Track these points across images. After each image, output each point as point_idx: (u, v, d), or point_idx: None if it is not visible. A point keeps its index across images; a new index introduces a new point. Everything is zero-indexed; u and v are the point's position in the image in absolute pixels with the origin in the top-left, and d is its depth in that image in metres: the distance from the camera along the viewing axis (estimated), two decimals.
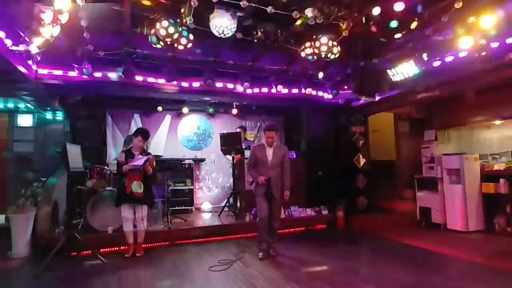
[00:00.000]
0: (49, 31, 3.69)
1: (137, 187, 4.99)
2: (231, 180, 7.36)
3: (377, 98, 6.95)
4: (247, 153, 6.35)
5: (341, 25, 4.60)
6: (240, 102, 8.21)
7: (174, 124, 8.44)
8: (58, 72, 5.66)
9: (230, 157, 7.24)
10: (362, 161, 7.75)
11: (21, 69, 4.68)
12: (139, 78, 6.13)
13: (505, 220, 6.18)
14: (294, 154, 7.54)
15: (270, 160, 4.82)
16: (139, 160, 4.96)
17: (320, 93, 7.61)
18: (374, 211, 7.64)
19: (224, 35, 4.58)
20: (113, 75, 5.89)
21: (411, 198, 7.62)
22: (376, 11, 4.13)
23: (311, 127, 8.37)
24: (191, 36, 4.57)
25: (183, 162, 7.83)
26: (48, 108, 6.85)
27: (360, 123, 7.90)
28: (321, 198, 7.33)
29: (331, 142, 8.26)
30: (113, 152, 7.70)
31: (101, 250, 5.28)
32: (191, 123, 8.67)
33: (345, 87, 7.23)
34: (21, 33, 4.05)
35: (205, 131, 8.76)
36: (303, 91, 7.19)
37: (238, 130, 7.39)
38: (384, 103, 7.20)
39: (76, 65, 5.55)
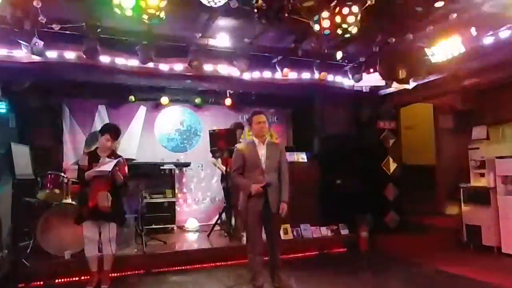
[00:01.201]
0: None
1: (103, 199, 4.98)
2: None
3: (412, 84, 6.96)
4: None
5: None
6: (235, 90, 8.28)
7: (150, 118, 8.49)
8: (1, 52, 5.66)
9: (221, 163, 7.31)
10: (392, 166, 7.86)
11: None
12: (105, 58, 6.10)
13: None
14: (305, 157, 7.59)
15: (264, 161, 4.67)
16: (107, 165, 4.97)
17: (338, 79, 7.64)
18: (408, 229, 7.70)
19: (215, 3, 4.56)
20: (71, 55, 5.86)
21: (455, 214, 7.66)
22: None
23: (327, 123, 8.44)
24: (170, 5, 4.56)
25: (162, 168, 7.81)
26: None
27: (390, 117, 8.03)
28: (339, 213, 7.36)
29: (352, 142, 8.29)
30: (72, 154, 7.75)
31: (56, 280, 5.24)
32: (173, 117, 8.70)
33: (371, 70, 7.25)
34: None
35: (190, 128, 8.78)
36: (316, 76, 7.19)
37: (240, 124, 7.45)
38: (421, 91, 7.25)
39: (23, 42, 5.53)
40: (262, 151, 4.72)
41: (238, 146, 4.92)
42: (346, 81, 7.67)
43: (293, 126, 9.25)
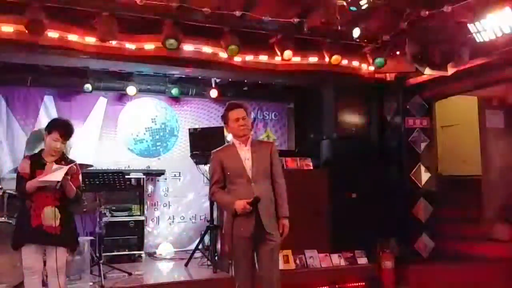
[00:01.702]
0: None
1: (50, 217, 4.92)
2: (208, 206, 7.50)
3: (451, 71, 6.96)
4: None
5: None
6: (223, 77, 8.28)
7: (112, 113, 8.49)
8: None
9: (206, 169, 7.28)
10: (425, 176, 7.83)
11: None
12: (52, 34, 6.02)
13: None
14: (311, 164, 7.62)
15: (249, 167, 4.59)
16: (55, 173, 4.89)
17: (354, 63, 7.64)
18: (445, 259, 7.66)
19: None
20: (8, 29, 5.79)
21: (509, 239, 7.64)
22: None
23: (339, 120, 8.32)
24: None
25: (127, 177, 7.72)
26: None
27: (422, 113, 8.03)
28: (355, 236, 7.31)
29: (372, 145, 8.27)
30: (9, 159, 7.74)
31: None
32: (142, 112, 8.72)
33: (397, 52, 7.28)
34: None
35: (165, 126, 8.79)
36: (326, 59, 7.18)
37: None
38: (463, 80, 7.24)
39: None
40: (246, 155, 4.64)
41: (214, 154, 4.78)
42: (365, 67, 7.68)
43: (296, 124, 9.27)
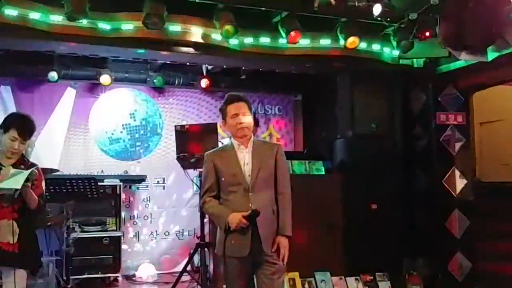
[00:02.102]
0: None
1: (7, 232, 4.93)
2: (198, 219, 7.37)
3: (491, 56, 6.91)
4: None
5: None
6: (216, 64, 8.32)
7: (83, 107, 8.53)
8: None
9: (196, 174, 7.29)
10: (460, 182, 7.86)
11: None
12: (10, 11, 6.01)
13: None
14: (323, 168, 7.65)
15: (249, 173, 4.54)
16: (13, 178, 4.88)
17: (375, 47, 7.69)
18: (484, 282, 7.62)
19: None
20: None
21: None
22: None
23: (357, 115, 8.21)
24: None
25: (100, 184, 7.76)
26: None
27: (456, 106, 8.03)
28: (375, 255, 7.32)
29: (395, 145, 8.26)
30: None
31: None
32: (119, 105, 8.76)
33: (426, 34, 7.22)
34: None
35: (146, 122, 8.82)
36: (341, 42, 7.23)
37: None
38: (506, 67, 7.20)
39: None
40: (245, 158, 4.59)
41: (208, 156, 4.73)
42: (387, 51, 7.71)
43: (304, 121, 9.27)
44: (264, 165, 4.57)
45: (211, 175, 4.60)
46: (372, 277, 7.35)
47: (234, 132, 4.61)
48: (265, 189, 4.55)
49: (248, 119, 4.55)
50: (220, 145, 6.68)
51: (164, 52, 7.35)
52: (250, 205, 4.41)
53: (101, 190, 7.72)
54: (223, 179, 4.57)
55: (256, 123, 7.18)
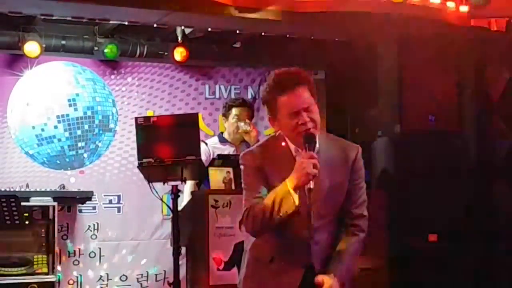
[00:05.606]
0: None
1: None
2: (170, 257, 6.40)
3: None
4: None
5: None
6: (197, 25, 7.48)
7: None
8: None
9: (167, 190, 6.51)
10: None
11: None
12: None
13: None
14: None
15: (310, 188, 3.46)
16: None
17: (434, 0, 7.09)
18: None
19: None
20: None
21: None
22: None
23: (407, 102, 7.70)
24: None
25: (25, 205, 7.00)
26: None
27: None
28: None
29: (465, 145, 7.64)
30: None
31: None
32: (52, 87, 7.62)
33: None
34: None
35: (93, 112, 7.75)
36: None
37: (236, 100, 7.21)
38: None
39: None
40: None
41: (246, 152, 3.69)
42: (452, 7, 7.06)
43: (329, 109, 8.25)
44: (333, 177, 3.62)
45: (257, 182, 3.67)
46: None
47: (292, 136, 3.50)
48: (328, 226, 3.73)
49: (315, 116, 3.41)
50: (202, 145, 6.70)
51: (120, 8, 6.48)
52: (312, 246, 3.59)
53: (26, 214, 6.98)
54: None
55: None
